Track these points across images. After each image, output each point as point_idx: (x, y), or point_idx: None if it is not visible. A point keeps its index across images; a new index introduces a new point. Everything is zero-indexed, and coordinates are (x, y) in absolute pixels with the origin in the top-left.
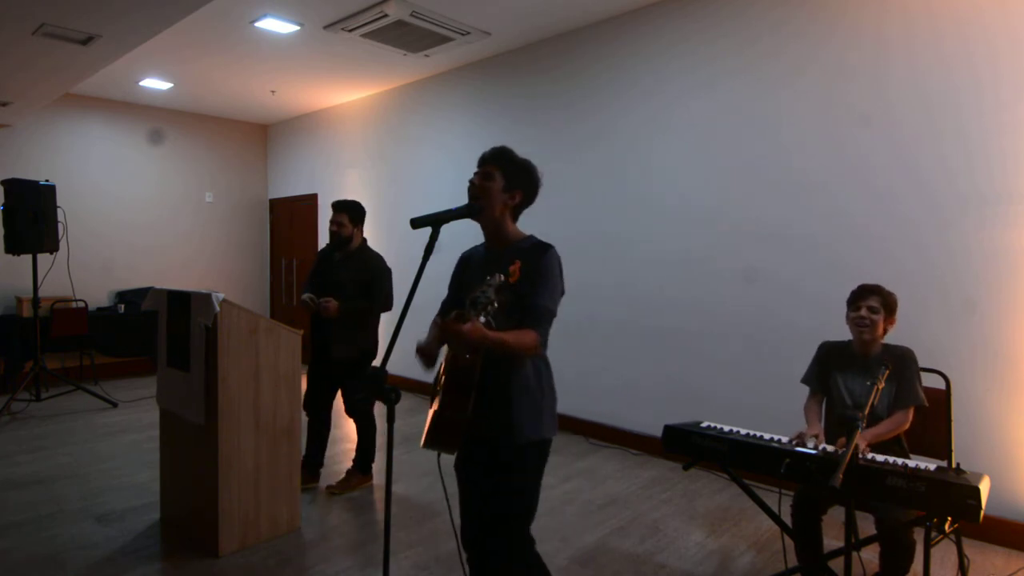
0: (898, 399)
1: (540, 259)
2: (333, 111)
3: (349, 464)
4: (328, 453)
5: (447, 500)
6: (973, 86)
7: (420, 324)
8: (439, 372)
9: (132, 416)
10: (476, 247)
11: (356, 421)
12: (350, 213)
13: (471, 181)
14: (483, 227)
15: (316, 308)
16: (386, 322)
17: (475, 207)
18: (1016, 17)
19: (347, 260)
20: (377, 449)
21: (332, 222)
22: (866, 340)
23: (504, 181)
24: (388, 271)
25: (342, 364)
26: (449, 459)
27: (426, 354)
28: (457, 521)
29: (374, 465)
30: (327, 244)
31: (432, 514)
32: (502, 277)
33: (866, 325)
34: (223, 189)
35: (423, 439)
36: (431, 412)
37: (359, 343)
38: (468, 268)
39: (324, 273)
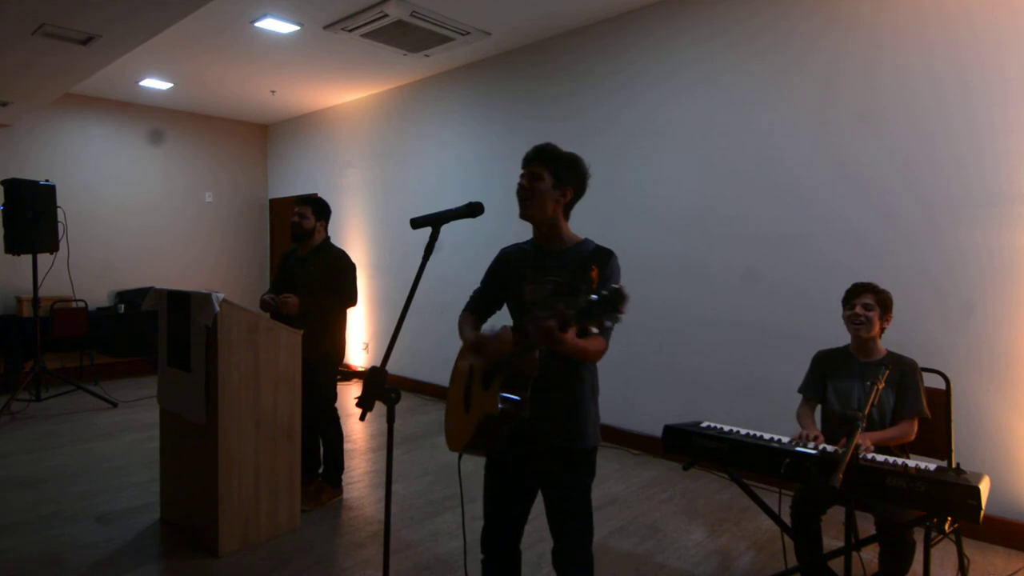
0: (902, 409)
1: (608, 265)
2: (333, 111)
3: (355, 465)
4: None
5: (462, 503)
6: (962, 89)
7: (420, 324)
8: (467, 374)
9: (132, 416)
10: (519, 244)
11: (319, 427)
12: (314, 207)
13: (520, 184)
14: (536, 228)
15: (276, 306)
16: (386, 321)
17: (476, 207)
18: (1003, 22)
19: (311, 257)
20: (367, 453)
21: (294, 214)
22: (863, 337)
23: (553, 179)
24: (353, 266)
25: (304, 364)
26: (468, 459)
27: (483, 344)
28: (467, 522)
29: (373, 466)
30: (290, 247)
31: (432, 514)
32: (616, 286)
33: (862, 323)
34: (223, 189)
35: (462, 443)
36: (469, 415)
37: (322, 342)
38: (513, 266)
39: (287, 272)
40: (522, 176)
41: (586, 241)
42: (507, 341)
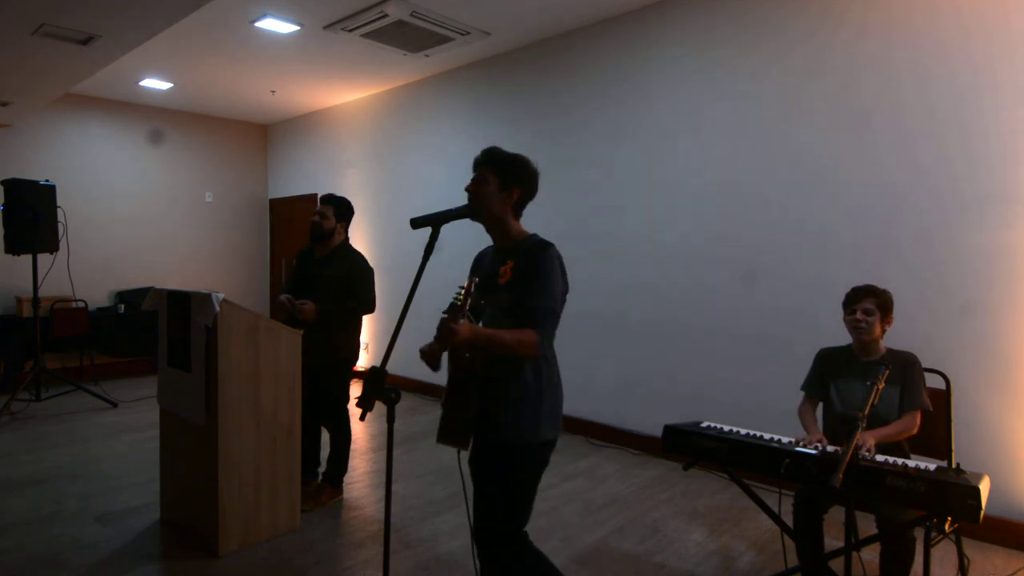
0: (904, 403)
1: (537, 258)
2: (333, 111)
3: (355, 465)
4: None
5: (464, 494)
6: (974, 88)
7: (420, 324)
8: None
9: (132, 416)
10: (489, 247)
11: (330, 431)
12: (336, 207)
13: (466, 188)
14: (487, 229)
15: (292, 310)
16: (386, 321)
17: (475, 207)
18: (1016, 21)
19: (328, 258)
20: (366, 453)
21: (315, 213)
22: (864, 341)
23: (499, 180)
24: (371, 271)
25: (319, 369)
26: (466, 455)
27: (429, 355)
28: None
29: (374, 466)
30: (306, 244)
31: (432, 514)
32: (476, 280)
33: (863, 328)
34: (223, 189)
35: (437, 435)
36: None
37: (338, 348)
38: (480, 267)
39: (304, 272)
40: (471, 181)
41: (531, 236)
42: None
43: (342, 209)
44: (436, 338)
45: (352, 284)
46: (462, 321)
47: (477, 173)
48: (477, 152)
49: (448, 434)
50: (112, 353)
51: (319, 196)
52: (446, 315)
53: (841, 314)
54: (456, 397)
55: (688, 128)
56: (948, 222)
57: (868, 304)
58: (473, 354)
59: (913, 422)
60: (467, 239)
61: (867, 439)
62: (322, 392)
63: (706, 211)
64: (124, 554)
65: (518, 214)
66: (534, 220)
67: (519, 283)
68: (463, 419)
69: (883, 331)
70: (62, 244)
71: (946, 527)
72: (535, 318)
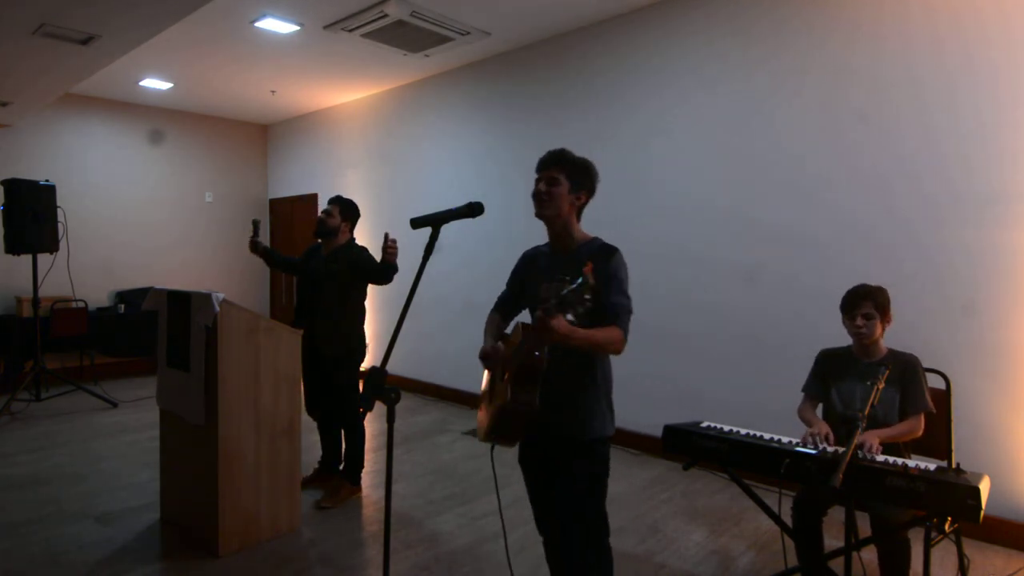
0: (908, 406)
1: (609, 261)
2: (333, 111)
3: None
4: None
5: (497, 491)
6: (970, 87)
7: (420, 324)
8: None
9: (132, 416)
10: (539, 247)
11: (344, 427)
12: (343, 207)
13: (537, 188)
14: (550, 229)
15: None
16: (386, 322)
17: (476, 207)
18: (1013, 19)
19: (334, 255)
20: (367, 453)
21: (322, 211)
22: (866, 344)
23: (569, 184)
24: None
25: (330, 361)
26: (501, 451)
27: (492, 357)
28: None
29: (374, 466)
30: (314, 243)
31: (432, 514)
32: (592, 280)
33: (864, 333)
34: (223, 189)
35: (484, 432)
36: (492, 406)
37: (349, 339)
38: (532, 267)
39: (308, 266)
40: (538, 180)
41: (594, 239)
42: (504, 351)
43: (348, 210)
44: (534, 335)
45: (365, 269)
46: (569, 318)
47: (547, 174)
48: (477, 152)
49: (502, 429)
50: (112, 353)
51: (319, 196)
52: (543, 312)
53: (838, 315)
54: (520, 390)
55: (687, 126)
56: (945, 222)
57: (867, 308)
58: (542, 351)
59: (918, 424)
60: (467, 239)
61: (872, 439)
62: (333, 386)
63: (706, 212)
64: (124, 554)
65: (579, 217)
66: (534, 219)
67: (596, 283)
68: (524, 413)
69: (883, 330)
70: (62, 244)
71: (946, 527)
72: (618, 316)
